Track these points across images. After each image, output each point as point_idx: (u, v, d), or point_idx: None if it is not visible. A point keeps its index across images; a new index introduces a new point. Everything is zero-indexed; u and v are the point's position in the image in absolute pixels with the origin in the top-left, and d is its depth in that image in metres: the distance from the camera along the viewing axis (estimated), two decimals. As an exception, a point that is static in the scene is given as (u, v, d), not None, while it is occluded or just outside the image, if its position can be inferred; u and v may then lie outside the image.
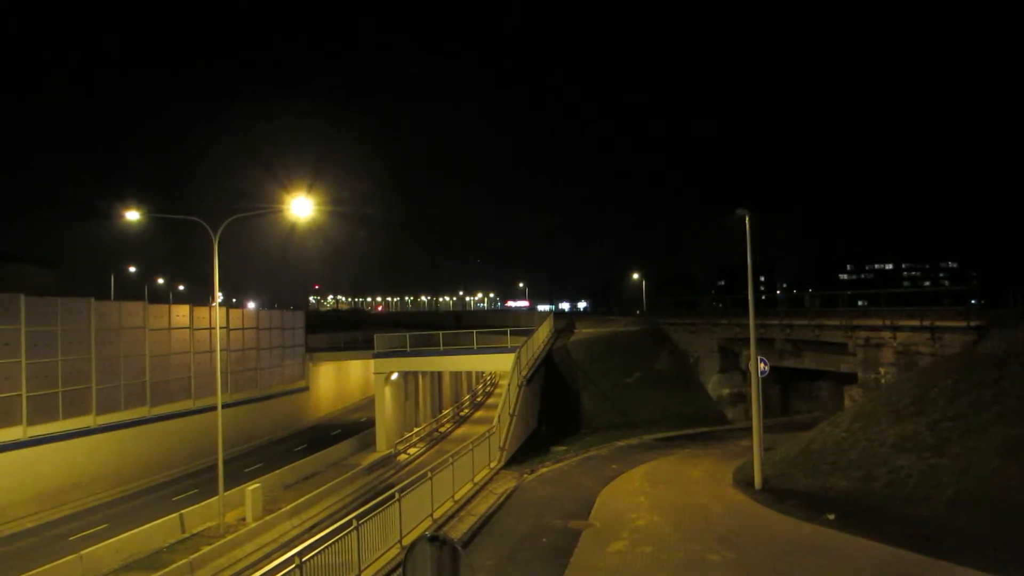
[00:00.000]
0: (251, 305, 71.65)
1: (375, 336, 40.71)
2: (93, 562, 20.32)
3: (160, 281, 71.17)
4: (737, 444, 27.96)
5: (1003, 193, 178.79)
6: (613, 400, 36.13)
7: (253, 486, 26.24)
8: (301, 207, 23.77)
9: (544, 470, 24.51)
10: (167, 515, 24.37)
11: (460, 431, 42.31)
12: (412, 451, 36.68)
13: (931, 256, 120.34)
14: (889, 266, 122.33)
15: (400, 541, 14.27)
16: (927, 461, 16.61)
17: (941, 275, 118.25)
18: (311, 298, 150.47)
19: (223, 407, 25.17)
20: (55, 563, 19.63)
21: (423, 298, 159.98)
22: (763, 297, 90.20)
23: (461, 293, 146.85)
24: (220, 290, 28.27)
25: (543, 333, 40.95)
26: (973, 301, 37.99)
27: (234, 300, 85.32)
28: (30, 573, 18.78)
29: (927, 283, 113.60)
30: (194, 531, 24.09)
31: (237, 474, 31.05)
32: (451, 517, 17.50)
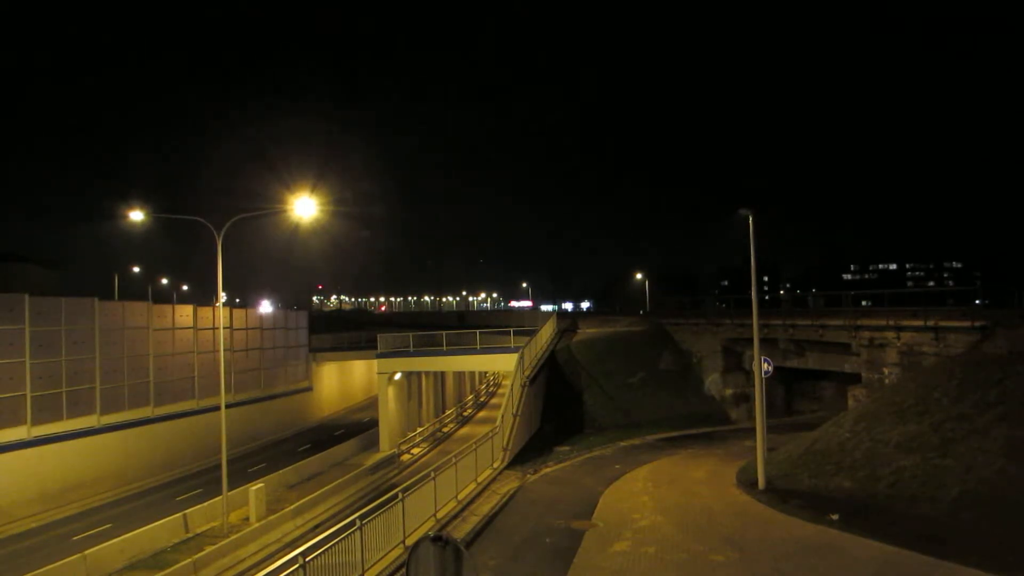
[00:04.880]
0: (265, 303, 71.35)
1: (378, 336, 40.72)
2: (97, 562, 20.35)
3: (164, 281, 71.22)
4: (740, 444, 27.93)
5: (1007, 193, 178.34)
6: (616, 400, 36.09)
7: (257, 486, 26.28)
8: (304, 207, 23.77)
9: (547, 470, 24.52)
10: (171, 515, 24.38)
11: (463, 431, 42.27)
12: (415, 451, 36.67)
13: (935, 256, 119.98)
14: (893, 266, 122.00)
15: (403, 541, 14.29)
16: (931, 461, 16.59)
17: (945, 275, 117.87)
18: (314, 298, 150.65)
19: (227, 407, 25.18)
20: (59, 563, 19.66)
21: (426, 298, 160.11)
22: (766, 297, 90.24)
23: (464, 293, 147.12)
24: (224, 290, 28.29)
25: (546, 333, 40.93)
26: (977, 301, 37.96)
27: (238, 300, 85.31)
28: (34, 573, 18.81)
29: (931, 283, 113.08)
30: (198, 531, 24.11)
31: (241, 474, 31.16)
32: (454, 517, 17.52)
